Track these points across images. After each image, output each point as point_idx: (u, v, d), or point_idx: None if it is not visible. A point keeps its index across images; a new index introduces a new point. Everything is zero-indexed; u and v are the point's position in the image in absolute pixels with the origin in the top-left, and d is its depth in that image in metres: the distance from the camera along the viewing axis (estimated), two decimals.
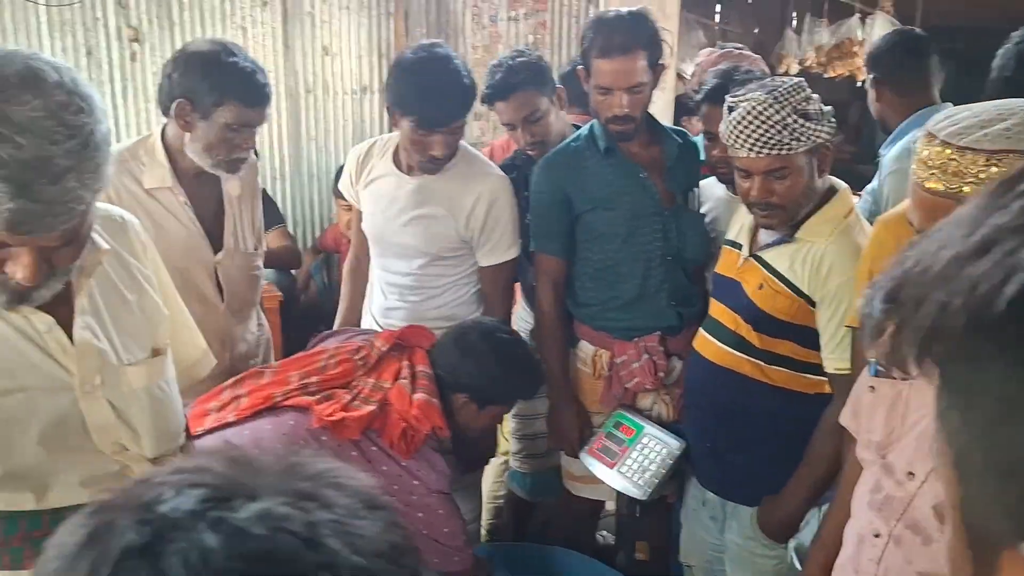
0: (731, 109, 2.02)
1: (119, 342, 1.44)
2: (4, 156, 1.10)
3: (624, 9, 2.43)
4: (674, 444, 2.40)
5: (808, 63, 5.97)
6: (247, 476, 0.54)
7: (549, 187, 2.49)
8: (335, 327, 2.71)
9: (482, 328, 2.27)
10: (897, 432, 1.52)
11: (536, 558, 2.62)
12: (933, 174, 1.36)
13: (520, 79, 2.64)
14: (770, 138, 1.95)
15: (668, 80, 3.87)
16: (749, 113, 1.96)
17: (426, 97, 2.27)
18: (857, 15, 5.70)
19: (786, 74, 5.85)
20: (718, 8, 6.35)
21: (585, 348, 2.60)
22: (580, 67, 2.47)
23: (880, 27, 5.39)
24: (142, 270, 1.53)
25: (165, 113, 2.23)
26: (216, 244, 2.34)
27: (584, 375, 2.61)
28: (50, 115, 1.13)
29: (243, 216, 2.41)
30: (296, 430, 1.96)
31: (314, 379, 2.09)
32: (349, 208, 3.63)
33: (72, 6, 3.94)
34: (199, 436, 1.93)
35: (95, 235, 1.36)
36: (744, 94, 2.01)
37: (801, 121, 1.95)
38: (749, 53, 3.10)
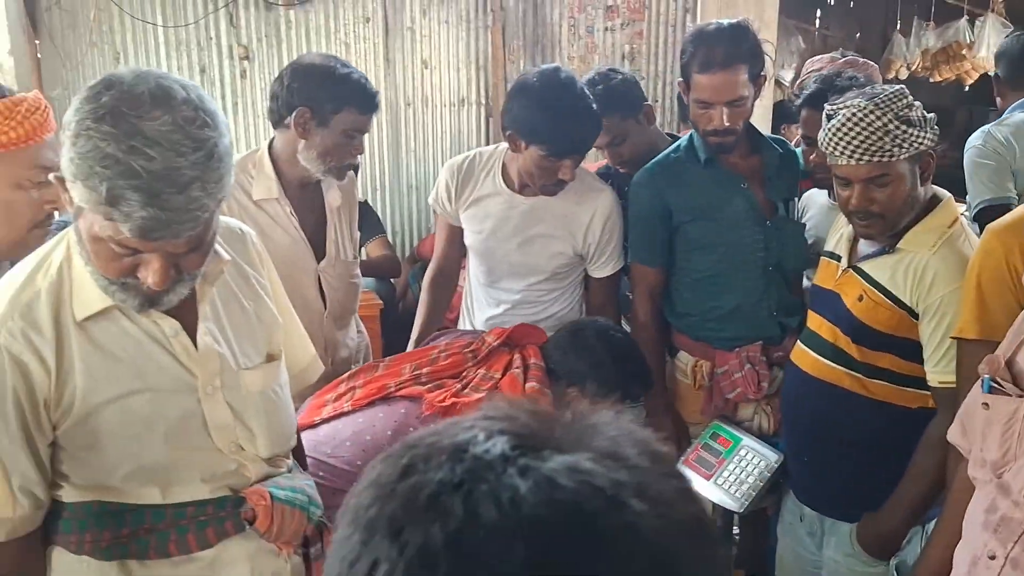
0: (830, 116, 1.99)
1: (237, 347, 1.52)
2: (137, 167, 1.18)
3: (724, 21, 2.42)
4: (772, 456, 2.37)
5: (914, 67, 5.81)
6: (551, 429, 0.55)
7: (648, 198, 2.49)
8: (412, 338, 2.74)
9: (597, 326, 2.28)
10: (1014, 451, 1.46)
11: None
12: None
13: (605, 105, 2.57)
14: (871, 145, 1.91)
15: (767, 88, 3.83)
16: (849, 120, 1.92)
17: (559, 126, 2.28)
18: (965, 17, 5.51)
19: (895, 79, 5.71)
20: (818, 13, 6.23)
21: (684, 358, 2.59)
22: (680, 81, 2.47)
23: (992, 29, 5.22)
24: (259, 279, 1.61)
25: (277, 124, 2.33)
26: (318, 253, 2.43)
27: (683, 385, 2.60)
28: (178, 129, 1.21)
29: (343, 226, 2.49)
30: (408, 417, 2.01)
31: (425, 370, 2.14)
32: None
33: (187, 26, 4.14)
34: (316, 425, 2.02)
35: (217, 246, 1.44)
36: (844, 101, 1.98)
37: (903, 127, 1.91)
38: (867, 62, 3.03)
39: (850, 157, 1.94)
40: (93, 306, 1.37)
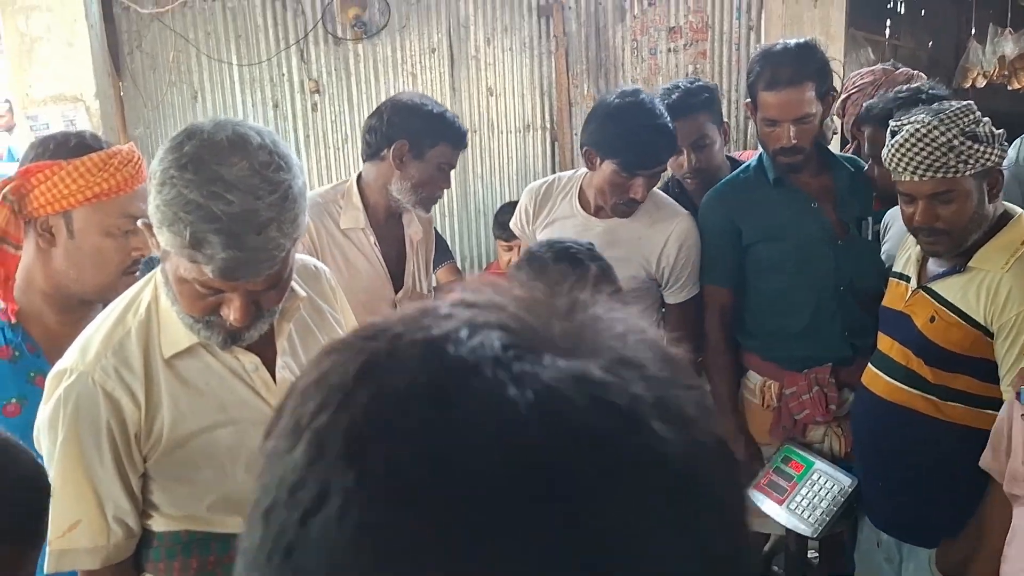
0: (894, 133, 1.97)
1: None
2: (217, 212, 1.24)
3: (792, 41, 2.42)
4: (846, 481, 2.33)
5: (992, 75, 5.67)
6: (548, 325, 0.44)
7: (718, 218, 2.50)
8: None
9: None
10: None
11: None
12: None
13: (696, 102, 2.64)
14: (935, 160, 1.89)
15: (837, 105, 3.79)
16: (913, 135, 1.91)
17: (632, 140, 2.32)
18: None
19: (972, 87, 5.57)
20: (888, 23, 6.12)
21: (753, 378, 2.58)
22: (747, 101, 2.48)
23: None
24: (333, 314, 1.67)
25: (371, 157, 2.44)
26: (396, 284, 2.50)
27: (752, 406, 2.59)
28: (255, 173, 1.26)
29: (420, 260, 2.58)
30: None
31: None
32: (510, 248, 3.77)
33: (260, 64, 4.29)
34: None
35: (294, 283, 1.50)
36: (909, 117, 1.96)
37: (969, 143, 1.89)
38: (907, 69, 2.97)
39: (913, 173, 1.92)
40: (180, 344, 1.43)
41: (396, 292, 2.50)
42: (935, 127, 1.89)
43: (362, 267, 2.42)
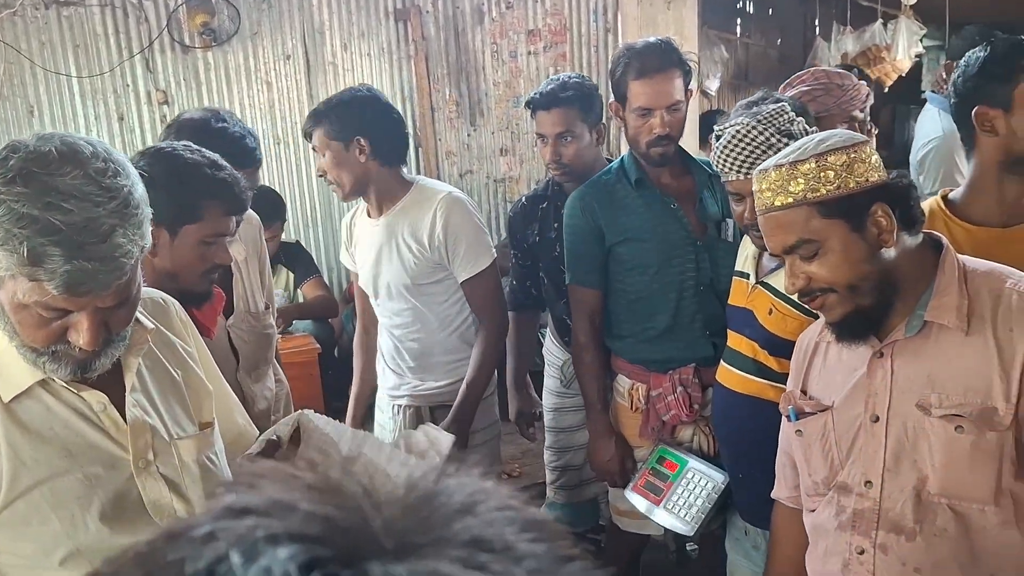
0: (718, 137, 2.06)
1: (168, 417, 1.47)
2: (56, 223, 1.14)
3: (651, 38, 2.48)
4: (718, 477, 2.36)
5: None
6: (365, 519, 0.33)
7: (582, 219, 2.50)
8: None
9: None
10: (838, 458, 1.60)
11: None
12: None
13: (567, 96, 2.66)
14: (756, 159, 1.97)
15: (694, 100, 3.87)
16: (734, 137, 2.01)
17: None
18: (880, 20, 5.64)
19: None
20: (739, 22, 6.32)
21: (622, 381, 2.59)
22: (612, 102, 2.48)
23: (905, 31, 5.34)
24: (186, 348, 1.57)
25: None
26: (227, 309, 2.36)
27: (622, 408, 2.60)
28: (91, 181, 1.18)
29: (251, 277, 2.44)
30: None
31: None
32: None
33: (102, 75, 4.04)
34: None
35: (140, 315, 1.40)
36: (730, 120, 2.06)
37: (785, 141, 1.97)
38: (849, 77, 2.80)
39: (738, 172, 2.02)
40: (21, 384, 1.31)
41: (227, 318, 2.36)
42: (753, 127, 1.99)
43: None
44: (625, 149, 3.52)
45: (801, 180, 1.49)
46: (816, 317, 2.02)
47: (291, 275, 3.92)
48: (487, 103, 4.54)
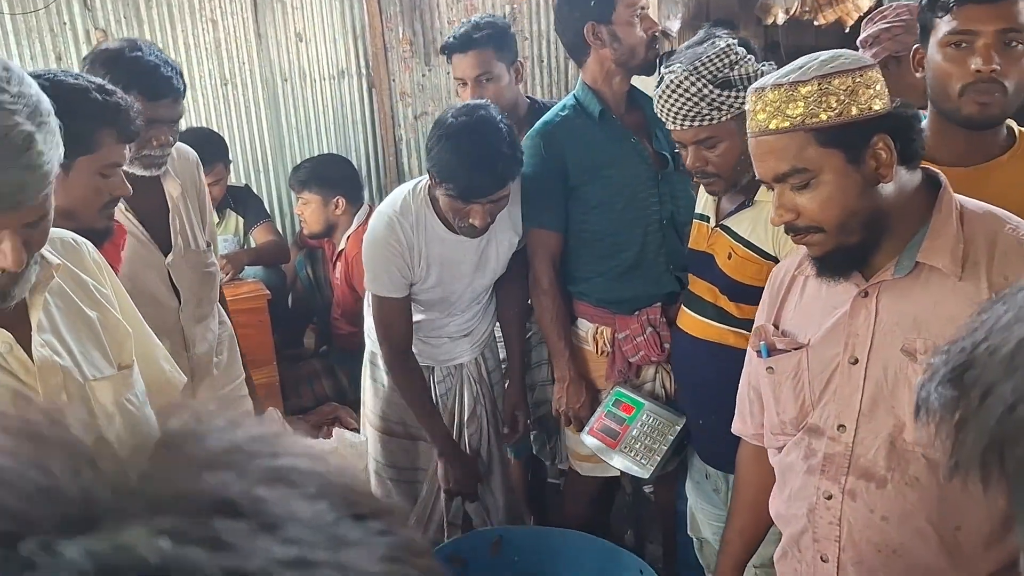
0: (660, 82, 2.03)
1: (82, 358, 1.41)
2: None
3: None
4: (675, 419, 2.35)
5: (794, 11, 5.83)
6: (49, 474, 0.26)
7: (543, 159, 2.43)
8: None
9: None
10: (809, 399, 1.53)
11: (547, 541, 2.58)
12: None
13: (481, 36, 2.65)
14: (689, 111, 1.96)
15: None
16: (668, 86, 1.98)
17: (462, 170, 2.21)
18: None
19: (773, 24, 5.72)
20: None
21: (584, 325, 2.56)
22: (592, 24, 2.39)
23: None
24: (100, 289, 1.50)
25: None
26: (165, 246, 2.29)
27: (585, 353, 2.56)
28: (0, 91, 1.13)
29: (190, 214, 2.37)
30: None
31: None
32: (306, 202, 3.68)
33: (36, 12, 3.85)
34: None
35: (45, 251, 1.34)
36: (668, 66, 2.01)
37: (721, 91, 1.95)
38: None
39: (673, 122, 2.00)
40: None
41: (166, 256, 2.30)
42: (686, 78, 1.96)
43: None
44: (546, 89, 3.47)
45: (800, 103, 1.37)
46: (776, 262, 1.99)
47: (240, 220, 3.81)
48: (442, 42, 4.40)
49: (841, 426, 1.48)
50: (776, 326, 1.61)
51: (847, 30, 6.07)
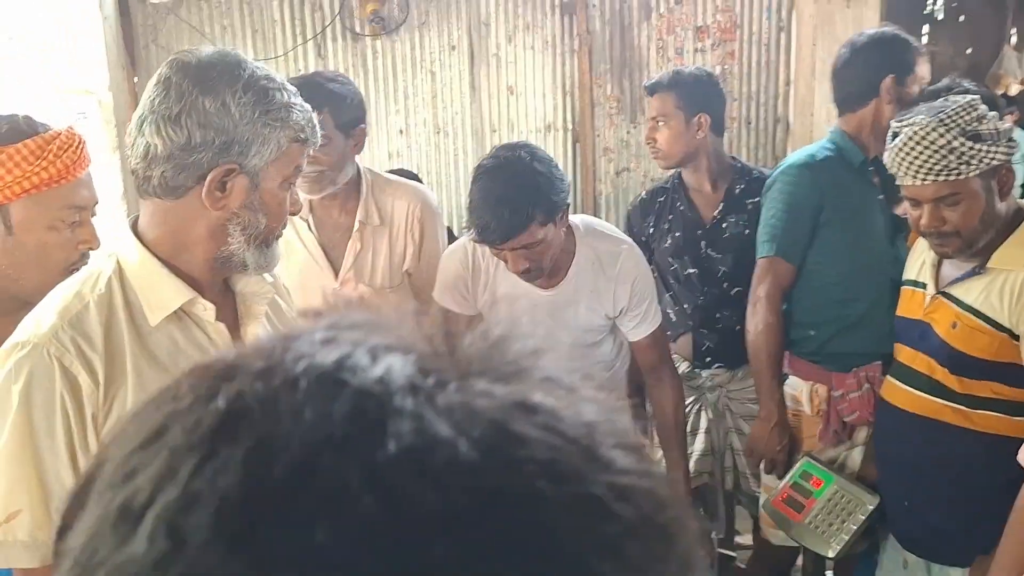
0: (895, 135, 1.91)
1: None
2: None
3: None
4: (867, 498, 2.19)
5: None
6: (455, 346, 0.34)
7: (807, 192, 2.35)
8: None
9: None
10: None
11: None
12: None
13: (664, 82, 2.67)
14: (935, 164, 1.83)
15: None
16: (912, 138, 1.85)
17: (476, 214, 2.04)
18: None
19: (1005, 95, 5.38)
20: (925, 29, 5.94)
21: (797, 385, 2.47)
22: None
23: None
24: (289, 312, 1.58)
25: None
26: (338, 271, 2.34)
27: (800, 414, 2.45)
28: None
29: (378, 248, 2.35)
30: None
31: None
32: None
33: (276, 59, 4.21)
34: None
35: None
36: (909, 117, 1.89)
37: (970, 144, 1.81)
38: None
39: (915, 177, 1.86)
40: (171, 305, 1.34)
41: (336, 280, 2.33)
42: (934, 128, 1.83)
43: (298, 249, 2.28)
44: None
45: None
46: (1011, 335, 1.86)
47: None
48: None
49: None
50: None
51: None
